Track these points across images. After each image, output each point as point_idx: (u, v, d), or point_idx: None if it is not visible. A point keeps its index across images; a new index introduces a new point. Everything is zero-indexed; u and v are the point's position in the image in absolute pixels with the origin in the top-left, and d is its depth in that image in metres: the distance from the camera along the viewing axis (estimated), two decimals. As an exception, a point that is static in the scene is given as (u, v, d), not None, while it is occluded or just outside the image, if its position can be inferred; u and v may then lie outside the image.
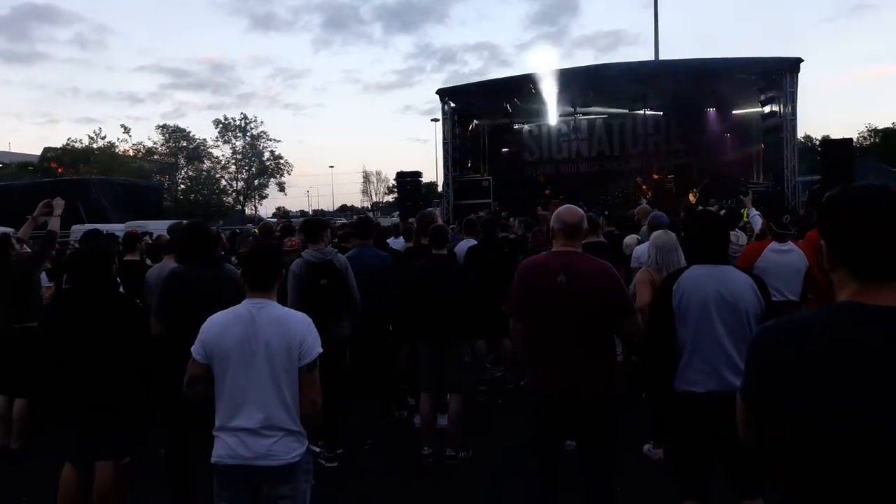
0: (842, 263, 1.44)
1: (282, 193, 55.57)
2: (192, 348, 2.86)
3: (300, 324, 2.86)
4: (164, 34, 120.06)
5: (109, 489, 3.84)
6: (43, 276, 6.47)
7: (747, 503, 3.22)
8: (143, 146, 48.65)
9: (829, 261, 1.46)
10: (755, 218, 7.44)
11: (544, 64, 24.28)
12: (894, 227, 1.38)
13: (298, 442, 2.83)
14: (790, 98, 18.11)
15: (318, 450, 3.00)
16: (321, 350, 2.86)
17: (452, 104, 22.17)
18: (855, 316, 1.38)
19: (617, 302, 3.43)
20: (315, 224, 5.61)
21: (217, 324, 2.87)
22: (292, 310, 2.98)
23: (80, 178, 31.19)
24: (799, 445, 1.40)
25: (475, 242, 7.05)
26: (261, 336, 2.79)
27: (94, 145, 45.30)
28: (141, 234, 7.10)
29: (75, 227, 15.46)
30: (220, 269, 4.21)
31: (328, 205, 58.58)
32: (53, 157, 45.20)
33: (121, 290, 4.77)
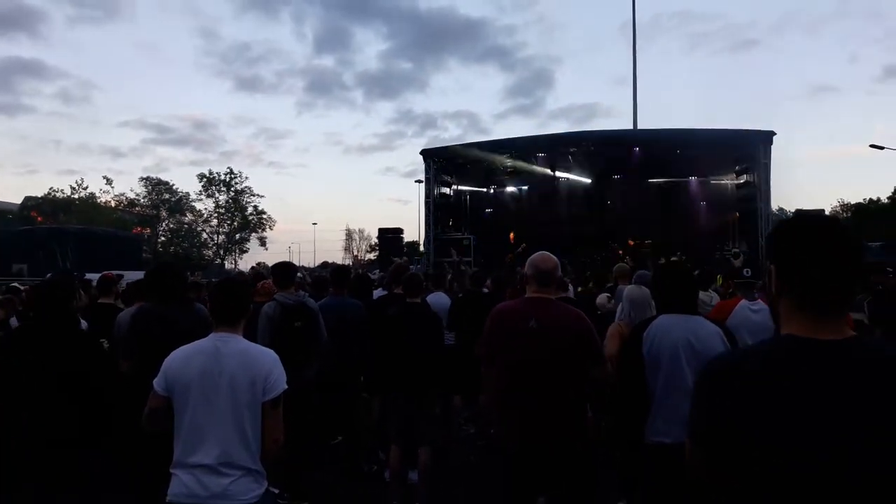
0: (787, 293, 1.45)
1: (263, 248, 55.45)
2: (154, 380, 2.80)
3: (266, 357, 2.80)
4: (148, 91, 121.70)
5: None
6: (13, 320, 6.37)
7: None
8: (126, 198, 48.68)
9: (776, 288, 1.47)
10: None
11: (524, 130, 24.87)
12: (839, 261, 1.41)
13: (257, 483, 2.73)
14: (763, 169, 18.67)
15: (276, 491, 2.90)
16: (286, 387, 2.80)
17: (435, 164, 22.56)
18: (790, 348, 1.41)
19: (587, 348, 3.42)
20: (285, 268, 5.59)
21: (180, 356, 2.81)
22: (258, 345, 2.93)
23: (57, 227, 31.00)
24: (740, 474, 1.40)
25: (444, 296, 7.09)
26: (225, 369, 2.72)
27: (76, 196, 45.21)
28: (116, 276, 7.03)
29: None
30: (190, 309, 4.17)
31: (310, 261, 58.38)
32: (34, 205, 44.91)
33: (83, 326, 4.68)
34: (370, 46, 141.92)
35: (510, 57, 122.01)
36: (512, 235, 22.07)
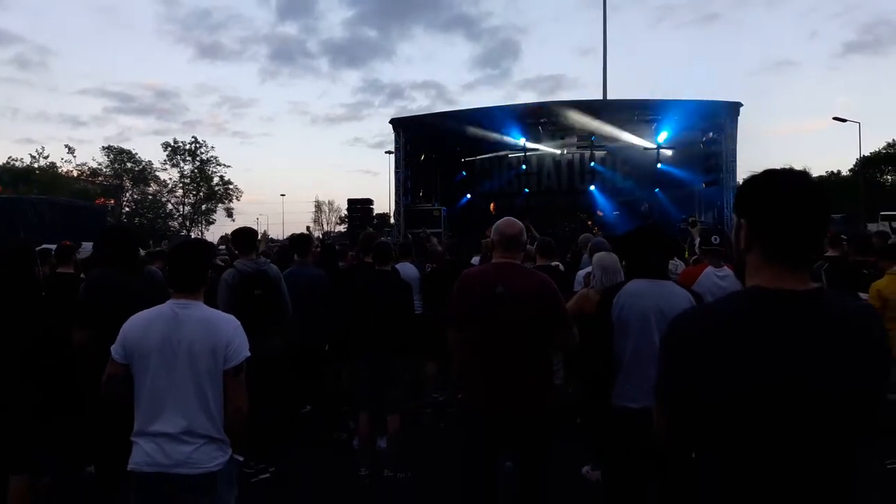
0: (756, 244, 1.46)
1: (230, 219, 54.69)
2: (111, 347, 2.73)
3: (227, 325, 2.74)
4: (107, 58, 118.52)
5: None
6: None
7: None
8: (88, 167, 47.50)
9: (746, 239, 1.48)
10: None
11: (492, 101, 24.79)
12: (812, 214, 1.43)
13: (221, 450, 2.69)
14: (730, 140, 18.82)
15: (241, 459, 2.86)
16: (249, 354, 2.74)
17: (405, 134, 22.32)
18: (758, 297, 1.43)
19: (554, 313, 3.42)
20: (246, 233, 5.49)
21: (138, 323, 2.74)
22: (220, 311, 2.86)
23: (17, 197, 30.14)
24: (710, 430, 1.43)
25: (411, 266, 7.07)
26: (184, 336, 2.66)
27: (36, 165, 43.99)
28: (75, 245, 6.83)
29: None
30: (142, 274, 4.06)
31: (278, 232, 57.72)
32: (-8, 175, 43.62)
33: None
34: (334, 13, 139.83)
35: (476, 26, 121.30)
36: (493, 206, 21.91)
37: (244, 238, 5.38)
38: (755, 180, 1.49)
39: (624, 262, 3.66)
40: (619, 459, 3.35)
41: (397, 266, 7.03)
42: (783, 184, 1.45)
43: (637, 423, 3.16)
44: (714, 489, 1.45)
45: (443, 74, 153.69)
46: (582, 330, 3.60)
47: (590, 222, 22.23)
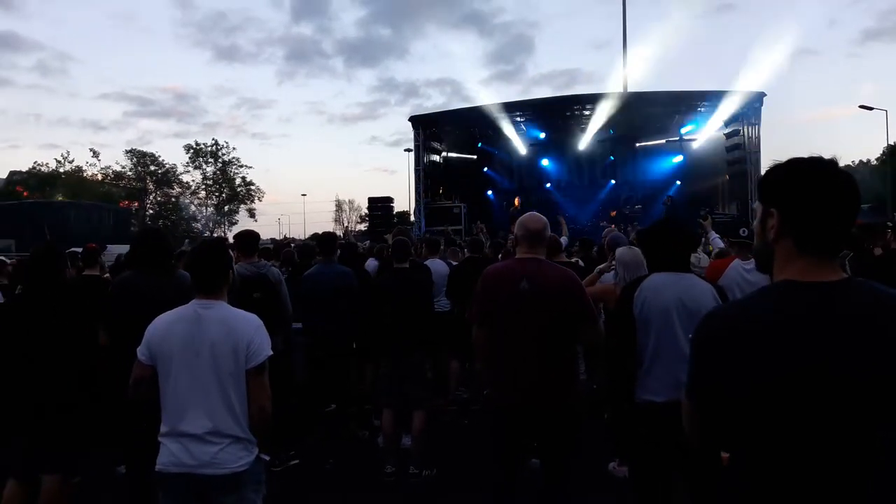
0: (789, 234, 1.43)
1: (252, 220, 55.16)
2: (137, 349, 2.75)
3: (248, 324, 2.73)
4: (126, 63, 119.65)
5: (55, 505, 3.67)
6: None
7: None
8: (112, 171, 48.16)
9: (777, 229, 1.44)
10: (716, 240, 7.55)
11: (507, 97, 24.71)
12: (846, 203, 1.42)
13: (246, 450, 2.69)
14: (754, 130, 18.59)
15: (267, 458, 2.86)
16: (271, 353, 2.73)
17: (424, 131, 22.33)
18: (790, 292, 1.41)
19: (579, 308, 3.39)
20: (248, 236, 5.51)
21: (161, 324, 2.75)
22: (242, 311, 2.85)
23: (45, 202, 30.67)
24: (741, 424, 1.41)
25: (441, 262, 7.07)
26: (206, 336, 2.66)
27: (61, 169, 44.70)
28: (101, 248, 6.92)
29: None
30: (173, 277, 4.08)
31: (300, 232, 58.07)
32: (19, 180, 44.39)
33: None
34: (347, 13, 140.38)
35: (488, 23, 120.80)
36: (517, 201, 21.75)
37: (245, 241, 5.39)
38: (787, 168, 1.46)
39: (645, 257, 3.60)
40: (646, 454, 3.31)
41: (427, 262, 7.06)
42: (817, 172, 1.42)
43: (661, 416, 3.13)
44: (743, 484, 1.43)
45: (457, 71, 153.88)
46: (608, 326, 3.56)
47: (613, 213, 22.08)
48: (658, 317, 3.22)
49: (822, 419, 1.32)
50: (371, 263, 7.94)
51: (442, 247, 8.42)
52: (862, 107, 32.99)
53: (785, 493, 1.36)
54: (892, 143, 36.91)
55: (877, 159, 47.88)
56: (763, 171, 1.61)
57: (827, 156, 1.44)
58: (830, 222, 1.41)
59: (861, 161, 50.30)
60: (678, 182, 22.28)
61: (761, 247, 1.53)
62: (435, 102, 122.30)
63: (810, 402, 1.33)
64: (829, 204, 1.40)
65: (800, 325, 1.36)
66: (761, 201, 1.50)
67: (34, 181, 42.90)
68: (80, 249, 10.65)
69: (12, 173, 46.93)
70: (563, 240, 7.73)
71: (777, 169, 1.48)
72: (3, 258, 9.03)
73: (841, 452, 1.32)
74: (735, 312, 1.51)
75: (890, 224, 7.18)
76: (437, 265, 7.06)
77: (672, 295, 3.22)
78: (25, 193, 40.34)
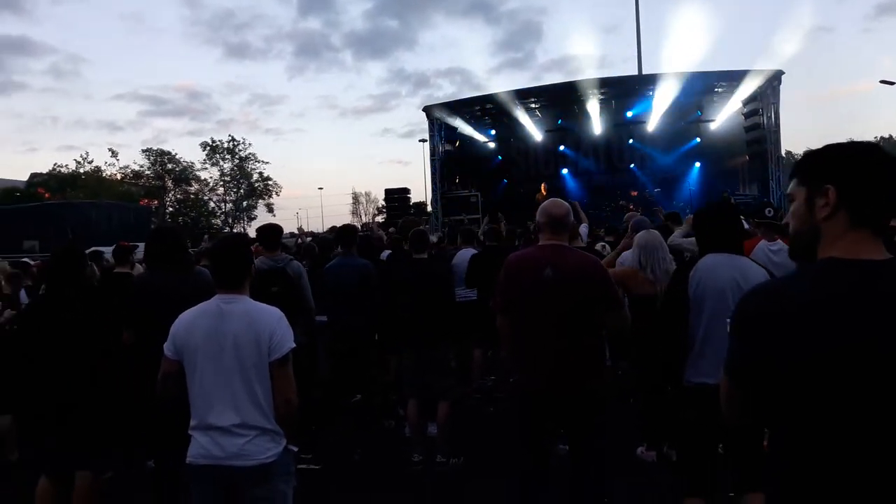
0: (845, 209, 1.43)
1: (271, 215, 55.39)
2: (164, 345, 2.77)
3: (270, 316, 2.74)
4: (138, 63, 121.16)
5: (87, 502, 3.72)
6: (22, 293, 6.36)
7: (751, 496, 3.11)
8: (131, 170, 48.62)
9: (833, 205, 1.43)
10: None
11: (518, 84, 24.52)
12: None
13: (274, 442, 2.70)
14: (772, 110, 18.34)
15: (296, 449, 2.87)
16: (294, 345, 2.74)
17: (438, 120, 22.29)
18: (829, 269, 1.41)
19: (604, 294, 3.36)
20: (270, 230, 5.52)
21: (185, 319, 2.78)
22: (263, 304, 2.85)
23: (66, 202, 31.03)
24: (786, 402, 1.39)
25: (475, 251, 7.05)
26: (228, 330, 2.67)
27: (81, 170, 45.20)
28: (132, 245, 6.99)
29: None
30: (191, 274, 4.11)
31: (318, 226, 58.34)
32: (40, 182, 44.89)
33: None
34: (353, 6, 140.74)
35: (495, 10, 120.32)
36: (544, 186, 21.48)
37: (267, 234, 5.42)
38: (842, 147, 1.49)
39: (697, 239, 3.56)
40: (695, 437, 3.27)
41: (462, 251, 7.06)
42: (872, 150, 1.46)
43: (714, 398, 3.09)
44: (783, 463, 1.42)
45: (467, 60, 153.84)
46: (635, 311, 3.53)
47: (631, 203, 21.88)
48: (713, 297, 3.19)
49: (864, 397, 1.30)
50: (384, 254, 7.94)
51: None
52: (883, 81, 32.35)
53: (825, 473, 1.34)
54: (915, 118, 36.16)
55: (900, 135, 47.05)
56: (784, 151, 1.60)
57: (847, 132, 1.47)
58: (884, 198, 1.44)
59: (882, 137, 49.41)
60: (697, 164, 22.03)
61: (806, 228, 1.50)
62: (446, 92, 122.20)
63: (851, 379, 1.31)
64: (884, 180, 1.43)
65: (841, 303, 1.34)
66: (812, 180, 1.49)
67: (55, 182, 43.36)
68: (103, 249, 10.80)
69: (33, 175, 47.51)
70: (583, 227, 7.66)
71: (828, 149, 1.50)
72: (27, 259, 9.15)
73: (883, 432, 1.30)
74: (776, 289, 1.49)
75: None
76: (468, 254, 7.02)
77: (727, 275, 3.19)
78: (47, 195, 40.83)
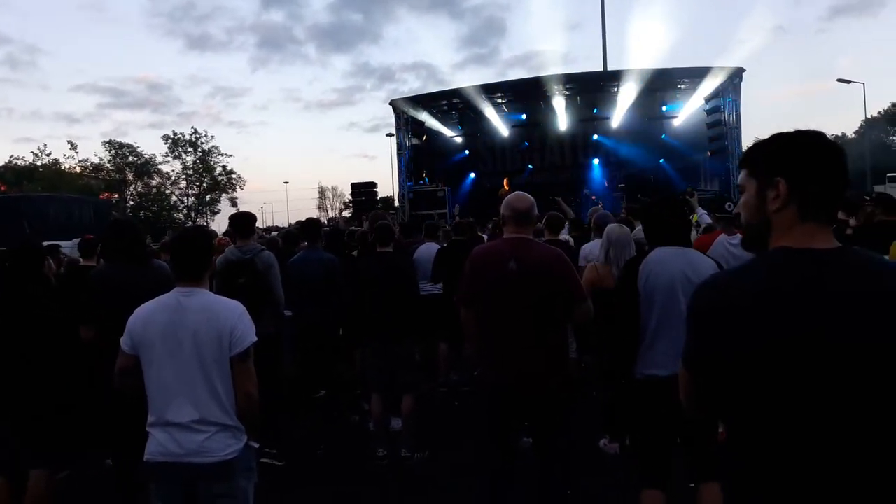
0: (794, 202, 1.44)
1: (235, 209, 54.60)
2: (120, 339, 2.70)
3: (231, 311, 2.68)
4: (97, 54, 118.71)
5: (41, 500, 3.63)
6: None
7: (704, 486, 3.16)
8: (91, 163, 47.49)
9: (784, 198, 1.44)
10: (703, 216, 7.61)
11: (487, 78, 24.58)
12: (845, 171, 1.47)
13: (235, 438, 2.65)
14: (733, 107, 18.65)
15: (257, 445, 2.83)
16: (255, 339, 2.69)
17: (405, 114, 22.21)
18: (780, 259, 1.43)
19: (567, 287, 3.37)
20: (244, 217, 5.45)
21: (143, 314, 2.70)
22: (224, 297, 2.80)
23: (22, 195, 30.16)
24: (742, 391, 1.40)
25: (436, 246, 7.05)
26: (188, 324, 2.61)
27: (39, 163, 44.03)
28: (97, 239, 6.84)
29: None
30: (150, 267, 4.03)
31: (283, 220, 57.66)
32: (-4, 175, 43.65)
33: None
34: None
35: (458, 5, 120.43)
36: (506, 183, 21.54)
37: (241, 222, 5.37)
38: (790, 138, 1.48)
39: (645, 233, 3.58)
40: (647, 430, 3.31)
41: (424, 246, 7.05)
42: (818, 141, 1.46)
43: (665, 391, 3.14)
44: (743, 456, 1.43)
45: (431, 55, 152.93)
46: (598, 304, 3.55)
47: (594, 197, 22.08)
48: (663, 291, 3.22)
49: (817, 386, 1.32)
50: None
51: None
52: (840, 80, 33.15)
53: (779, 464, 1.36)
54: (869, 116, 37.23)
55: (854, 132, 48.31)
56: (745, 147, 1.61)
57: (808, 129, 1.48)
58: (833, 189, 1.45)
59: (836, 136, 50.68)
60: (661, 160, 22.34)
61: (757, 220, 1.51)
62: (411, 87, 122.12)
63: (802, 369, 1.33)
64: (833, 171, 1.45)
65: (793, 292, 1.36)
66: (763, 173, 1.49)
67: (11, 175, 42.14)
68: (62, 243, 10.50)
69: (-12, 167, 46.16)
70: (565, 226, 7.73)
71: (778, 140, 1.49)
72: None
73: (837, 419, 1.32)
74: (729, 280, 1.50)
75: (867, 197, 7.25)
76: (432, 248, 7.02)
77: (677, 269, 3.22)
78: (3, 188, 39.67)
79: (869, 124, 39.53)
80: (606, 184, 22.53)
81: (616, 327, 3.47)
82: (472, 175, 24.84)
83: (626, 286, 3.32)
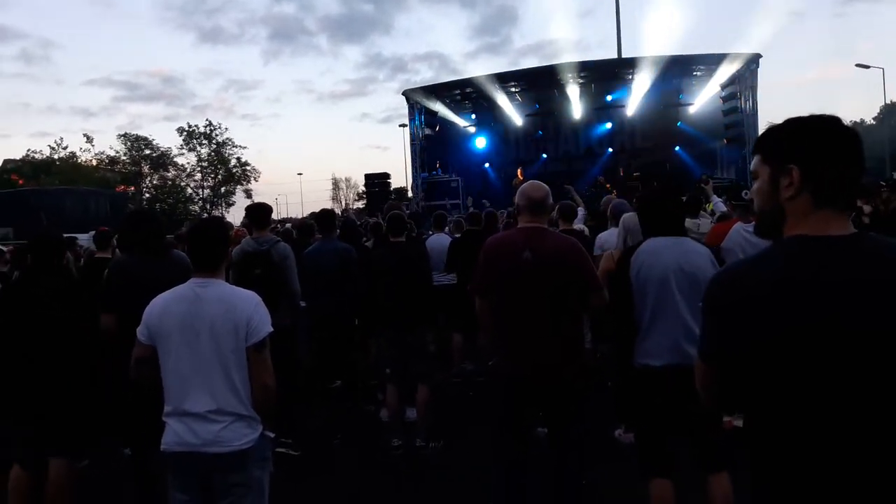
0: (808, 189, 1.41)
1: (249, 201, 54.78)
2: (137, 329, 2.72)
3: (247, 301, 2.69)
4: (111, 48, 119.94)
5: (63, 489, 3.68)
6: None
7: (713, 477, 3.14)
8: (107, 156, 47.84)
9: (798, 185, 1.41)
10: (718, 204, 7.55)
11: (495, 69, 24.47)
12: (861, 157, 1.43)
13: (251, 427, 2.66)
14: (750, 94, 18.45)
15: (272, 435, 2.84)
16: (271, 329, 2.70)
17: (418, 105, 22.18)
18: (797, 247, 1.40)
19: (582, 276, 3.35)
20: (260, 208, 5.47)
21: (160, 304, 2.72)
22: (240, 288, 2.81)
23: (41, 189, 30.48)
24: (761, 381, 1.39)
25: (446, 237, 7.06)
26: (205, 315, 2.63)
27: (56, 156, 44.43)
28: (113, 231, 6.91)
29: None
30: (168, 257, 4.05)
31: (298, 212, 57.90)
32: (13, 168, 44.04)
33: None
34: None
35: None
36: (520, 172, 21.44)
37: (257, 213, 5.39)
38: (803, 124, 1.44)
39: (640, 223, 3.56)
40: (645, 419, 3.31)
41: (434, 237, 7.07)
42: (833, 127, 1.43)
43: (659, 380, 3.14)
44: (762, 446, 1.42)
45: (444, 45, 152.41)
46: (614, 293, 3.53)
47: (608, 185, 21.94)
48: (656, 281, 3.20)
49: (833, 374, 1.31)
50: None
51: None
52: (858, 65, 32.72)
53: (799, 454, 1.35)
54: (889, 101, 36.69)
55: (873, 118, 47.62)
56: (762, 133, 1.58)
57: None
58: (849, 175, 1.41)
59: (854, 122, 49.97)
60: (677, 148, 22.15)
61: (770, 207, 1.48)
62: (423, 77, 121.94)
63: (819, 357, 1.31)
64: (848, 157, 1.41)
65: (809, 280, 1.34)
66: (775, 159, 1.46)
67: (28, 169, 42.54)
68: (79, 235, 10.60)
69: (6, 161, 46.56)
70: (580, 210, 7.74)
71: (791, 126, 1.46)
72: (0, 247, 8.98)
73: (854, 406, 1.30)
74: (746, 270, 1.48)
75: (884, 184, 7.16)
76: (442, 239, 7.03)
77: (670, 259, 3.20)
78: (21, 181, 40.07)
79: (888, 110, 38.95)
80: (622, 172, 22.36)
81: (613, 318, 3.47)
82: (487, 165, 24.76)
83: (620, 277, 3.31)
